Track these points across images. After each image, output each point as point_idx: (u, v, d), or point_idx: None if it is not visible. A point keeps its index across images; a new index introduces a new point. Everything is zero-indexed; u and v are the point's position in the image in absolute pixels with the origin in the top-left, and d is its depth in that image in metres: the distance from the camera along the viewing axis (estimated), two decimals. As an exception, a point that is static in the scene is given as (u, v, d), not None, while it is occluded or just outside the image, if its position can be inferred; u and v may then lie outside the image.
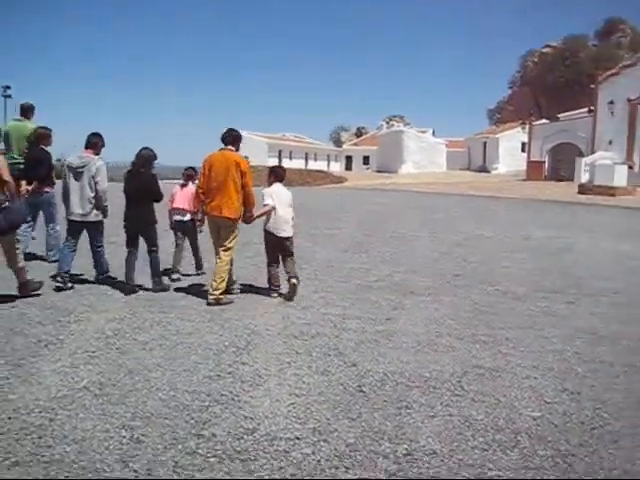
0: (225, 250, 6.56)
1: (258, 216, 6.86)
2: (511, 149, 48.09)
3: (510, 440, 3.68)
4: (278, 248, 6.95)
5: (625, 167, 27.25)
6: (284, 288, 6.98)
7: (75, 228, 6.93)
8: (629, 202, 23.91)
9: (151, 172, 6.96)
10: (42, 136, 8.12)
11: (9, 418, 3.62)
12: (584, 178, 32.64)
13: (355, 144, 67.57)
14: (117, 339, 5.16)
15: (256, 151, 44.92)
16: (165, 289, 6.94)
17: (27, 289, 6.30)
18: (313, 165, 58.30)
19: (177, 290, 7.04)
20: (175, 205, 7.86)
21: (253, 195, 6.68)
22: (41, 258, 8.45)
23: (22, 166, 8.17)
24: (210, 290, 6.46)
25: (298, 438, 3.57)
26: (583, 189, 26.53)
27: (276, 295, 6.91)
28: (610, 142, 33.84)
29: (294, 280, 6.79)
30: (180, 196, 7.84)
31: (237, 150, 6.76)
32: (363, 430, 3.71)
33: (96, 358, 4.69)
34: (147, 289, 6.92)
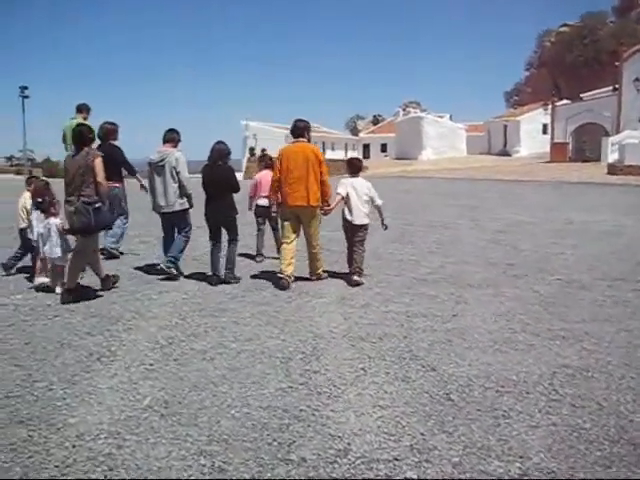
0: (313, 236, 6.97)
1: (332, 208, 7.05)
2: (532, 131, 47.20)
3: (630, 454, 3.25)
4: (352, 235, 7.14)
5: (656, 145, 26.44)
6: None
7: (165, 220, 7.29)
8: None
9: (228, 165, 7.08)
10: (109, 131, 8.23)
11: (74, 446, 3.25)
12: (611, 158, 31.85)
13: (372, 132, 66.83)
14: (173, 348, 4.78)
15: (274, 142, 44.44)
16: (238, 280, 7.05)
17: (109, 283, 6.55)
18: (330, 154, 57.59)
19: (222, 291, 6.65)
20: (262, 192, 8.23)
21: (330, 185, 6.90)
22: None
23: None
24: (314, 272, 7.13)
25: (397, 459, 3.17)
26: (613, 169, 25.79)
27: (357, 278, 7.01)
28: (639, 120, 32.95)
29: (356, 278, 6.97)
30: (265, 183, 7.99)
31: (309, 140, 7.04)
32: (465, 446, 3.31)
33: (154, 371, 4.31)
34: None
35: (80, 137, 6.18)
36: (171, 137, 7.30)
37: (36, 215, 6.73)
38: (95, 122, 8.54)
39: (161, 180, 7.11)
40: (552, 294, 6.58)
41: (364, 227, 7.12)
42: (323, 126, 68.80)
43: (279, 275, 6.83)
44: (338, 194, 7.03)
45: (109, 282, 6.57)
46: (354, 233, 7.10)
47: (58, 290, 6.35)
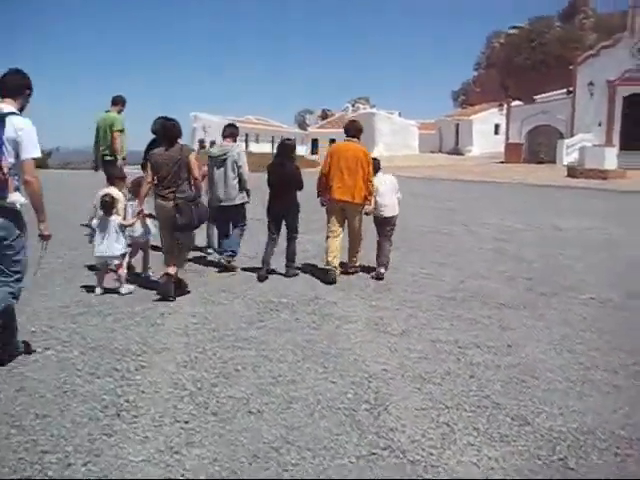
0: (357, 231, 7.32)
1: (372, 209, 7.36)
2: (484, 131, 47.47)
3: None
4: (383, 227, 7.51)
5: (615, 149, 26.75)
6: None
7: (222, 214, 7.38)
8: (624, 185, 23.40)
9: (295, 162, 7.30)
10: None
11: None
12: (567, 160, 32.21)
13: (321, 127, 66.07)
14: (205, 396, 3.89)
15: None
16: (296, 274, 7.22)
17: (183, 287, 6.32)
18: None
19: (235, 313, 5.75)
20: None
21: (373, 185, 7.22)
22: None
23: (109, 157, 9.18)
24: (351, 265, 7.45)
25: None
26: (573, 172, 25.92)
27: (383, 270, 7.34)
28: (600, 124, 33.40)
29: (382, 270, 7.34)
30: None
31: (359, 140, 7.34)
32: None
33: (195, 433, 3.42)
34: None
35: (172, 132, 6.15)
36: (231, 132, 7.49)
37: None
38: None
39: (222, 174, 7.25)
40: (594, 317, 6.04)
41: (393, 218, 7.52)
42: (273, 120, 67.80)
43: (326, 267, 7.14)
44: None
45: (183, 287, 6.35)
46: (386, 225, 7.50)
47: (98, 291, 6.15)
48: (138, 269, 7.06)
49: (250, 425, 3.53)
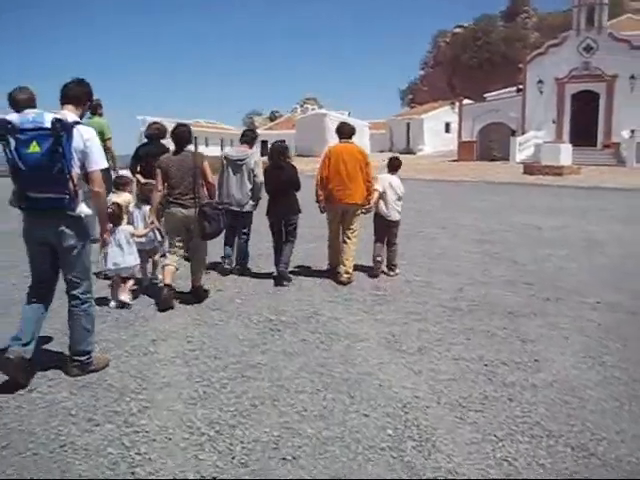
0: (353, 232, 7.18)
1: (372, 206, 7.33)
2: (435, 130, 47.73)
3: None
4: (386, 231, 7.53)
5: (569, 146, 27.12)
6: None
7: (230, 219, 6.87)
8: (580, 181, 23.72)
9: (291, 164, 7.18)
10: (163, 131, 7.73)
11: None
12: (519, 157, 32.63)
13: (270, 128, 65.41)
14: (228, 443, 3.37)
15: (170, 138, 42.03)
16: (290, 278, 7.03)
17: (200, 294, 6.24)
18: (229, 151, 55.72)
19: (234, 336, 5.22)
20: None
21: (373, 185, 7.27)
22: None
23: None
24: (342, 272, 7.05)
25: None
26: (530, 169, 26.14)
27: (379, 266, 7.48)
28: (554, 121, 33.93)
29: (393, 272, 7.54)
30: None
31: (353, 141, 7.30)
32: None
33: (228, 490, 2.89)
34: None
35: (185, 137, 6.05)
36: (251, 137, 7.51)
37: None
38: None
39: (238, 179, 7.21)
40: (609, 323, 5.76)
41: (398, 223, 7.62)
42: (220, 122, 66.78)
43: (337, 271, 7.15)
44: (375, 190, 7.31)
45: (201, 293, 6.27)
46: (390, 229, 7.54)
47: (113, 304, 5.90)
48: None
49: (289, 476, 3.03)
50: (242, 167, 7.18)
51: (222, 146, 57.27)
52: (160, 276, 6.44)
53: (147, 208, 6.41)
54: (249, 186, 7.18)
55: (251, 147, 7.45)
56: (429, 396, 4.02)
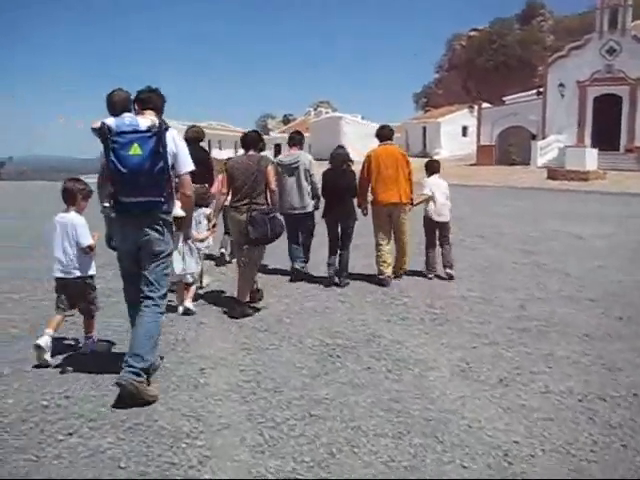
0: (404, 233, 7.36)
1: (418, 203, 7.55)
2: (452, 133, 47.04)
3: None
4: (437, 233, 7.64)
5: (595, 151, 26.45)
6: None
7: (293, 221, 7.20)
8: (607, 186, 23.09)
9: (351, 169, 7.17)
10: (201, 133, 7.42)
11: None
12: (540, 162, 31.98)
13: (283, 131, 64.93)
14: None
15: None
16: (348, 283, 7.10)
17: (256, 297, 6.18)
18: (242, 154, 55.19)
19: (288, 362, 4.68)
20: None
21: (414, 184, 7.40)
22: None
23: None
24: (399, 270, 7.44)
25: None
26: (554, 174, 25.51)
27: (432, 276, 7.58)
28: (579, 124, 33.25)
29: (449, 271, 7.55)
30: None
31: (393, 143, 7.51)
32: None
33: None
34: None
35: (253, 141, 5.99)
36: (298, 140, 7.44)
37: None
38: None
39: (294, 181, 7.17)
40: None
41: (449, 223, 7.71)
42: (234, 126, 66.33)
43: (380, 277, 7.18)
44: (423, 194, 7.55)
45: (256, 296, 6.19)
46: (442, 231, 7.65)
47: (181, 310, 5.81)
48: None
49: None
50: (297, 169, 7.21)
51: (235, 149, 56.83)
52: (205, 281, 6.82)
53: (202, 211, 6.26)
54: (307, 187, 7.23)
55: (300, 148, 7.46)
56: (529, 441, 3.46)
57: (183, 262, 5.68)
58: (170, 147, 3.93)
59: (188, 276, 5.82)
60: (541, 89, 36.31)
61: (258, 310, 6.00)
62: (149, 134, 3.79)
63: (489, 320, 5.87)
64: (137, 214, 3.90)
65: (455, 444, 3.41)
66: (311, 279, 7.40)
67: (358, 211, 7.33)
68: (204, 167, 6.54)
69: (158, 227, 3.95)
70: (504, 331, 5.53)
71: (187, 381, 4.20)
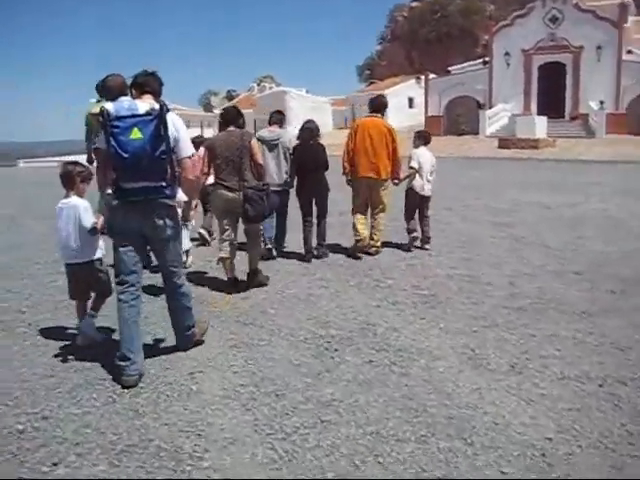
0: (382, 208, 7.24)
1: (403, 179, 7.45)
2: (399, 105, 46.70)
3: None
4: (419, 206, 7.59)
5: (544, 118, 26.70)
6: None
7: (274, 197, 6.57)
8: (558, 154, 23.38)
9: (320, 143, 7.13)
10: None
11: None
12: (489, 131, 32.20)
13: (228, 108, 63.62)
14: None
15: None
16: (327, 254, 7.22)
17: (257, 279, 5.98)
18: (187, 132, 53.88)
19: (293, 364, 4.30)
20: None
21: (400, 159, 7.21)
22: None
23: None
24: (372, 243, 7.26)
25: None
26: (505, 143, 25.70)
27: (412, 247, 7.57)
28: (525, 93, 33.47)
29: (427, 246, 7.59)
30: None
31: (383, 116, 7.37)
32: None
33: None
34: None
35: (232, 116, 5.77)
36: (278, 118, 7.29)
37: None
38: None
39: (274, 157, 7.06)
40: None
41: (429, 198, 7.65)
42: (176, 103, 64.57)
43: (356, 238, 7.16)
44: (412, 168, 7.45)
45: (257, 278, 5.99)
46: (423, 204, 7.58)
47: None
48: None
49: None
50: (277, 146, 7.06)
51: (187, 128, 55.26)
52: (189, 261, 6.64)
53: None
54: (286, 165, 7.10)
55: (281, 126, 7.27)
56: (563, 437, 3.21)
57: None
58: (171, 130, 3.81)
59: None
60: (487, 58, 36.47)
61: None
62: (149, 117, 3.69)
63: (482, 300, 5.63)
64: (140, 200, 3.79)
65: (486, 445, 3.12)
66: (285, 258, 7.19)
67: (334, 181, 7.29)
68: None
69: (163, 213, 3.87)
70: (500, 311, 5.29)
71: (177, 389, 3.77)
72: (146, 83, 4.04)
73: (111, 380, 3.87)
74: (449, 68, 41.23)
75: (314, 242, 7.24)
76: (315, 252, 7.14)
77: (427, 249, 7.47)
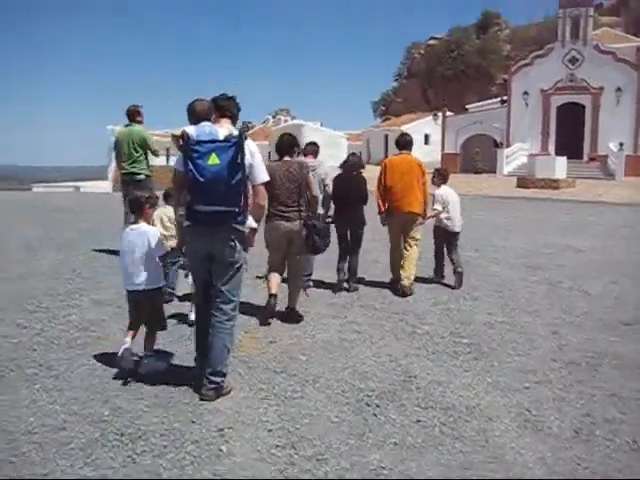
0: (415, 241, 7.22)
1: (430, 217, 7.47)
2: (415, 141, 46.80)
3: None
4: (447, 241, 7.60)
5: (564, 159, 26.39)
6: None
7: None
8: (579, 194, 22.98)
9: (362, 176, 7.17)
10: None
11: None
12: (506, 170, 31.95)
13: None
14: None
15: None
16: (357, 289, 7.12)
17: (296, 315, 5.90)
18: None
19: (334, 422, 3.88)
20: None
21: (429, 194, 7.33)
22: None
23: (139, 176, 8.22)
24: (405, 281, 7.01)
25: None
26: (524, 182, 25.32)
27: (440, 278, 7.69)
28: (547, 133, 33.34)
29: (460, 269, 7.45)
30: None
31: (410, 153, 7.41)
32: None
33: None
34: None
35: (288, 145, 5.81)
36: (314, 150, 7.15)
37: None
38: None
39: None
40: None
41: (459, 234, 7.71)
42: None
43: (398, 284, 7.10)
44: (435, 209, 7.46)
45: (295, 315, 5.90)
46: (450, 240, 7.61)
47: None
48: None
49: None
50: (314, 178, 6.59)
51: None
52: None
53: None
54: (321, 196, 6.67)
55: (315, 157, 7.11)
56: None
57: None
58: (247, 157, 3.91)
59: None
60: (505, 97, 36.38)
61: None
62: (228, 144, 3.77)
63: (527, 351, 5.21)
64: (211, 223, 3.88)
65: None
66: (314, 293, 6.93)
67: (371, 218, 7.36)
68: None
69: (231, 237, 3.92)
70: (550, 365, 4.87)
71: (206, 448, 3.36)
72: (227, 107, 4.18)
73: (130, 435, 3.47)
74: (467, 106, 41.20)
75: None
76: (345, 286, 7.09)
77: (460, 273, 7.40)
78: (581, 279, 8.14)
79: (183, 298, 6.21)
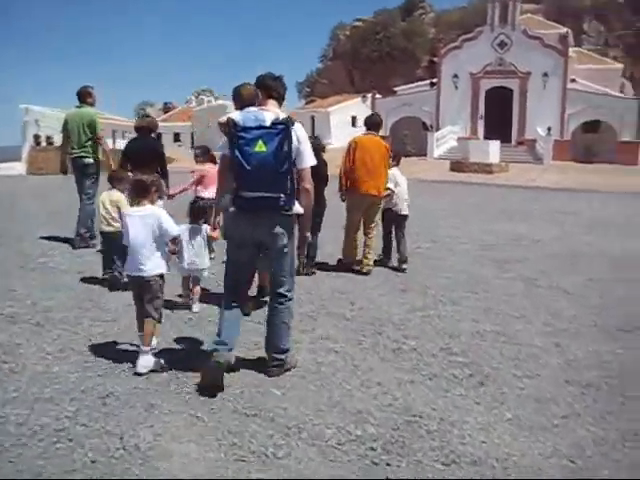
0: (375, 226, 7.27)
1: (384, 196, 7.21)
2: (342, 123, 46.03)
3: None
4: (395, 224, 7.60)
5: (498, 143, 26.34)
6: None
7: None
8: (513, 179, 22.97)
9: (323, 159, 6.63)
10: (154, 125, 7.37)
11: None
12: (436, 153, 31.78)
13: (164, 120, 61.37)
14: None
15: (59, 128, 37.50)
16: (314, 273, 7.01)
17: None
18: (121, 144, 51.54)
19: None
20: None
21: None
22: None
23: (87, 160, 8.00)
24: (366, 268, 7.13)
25: None
26: (458, 167, 25.12)
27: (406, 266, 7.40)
28: (481, 117, 33.29)
29: (405, 266, 7.40)
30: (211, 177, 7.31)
31: (378, 134, 7.27)
32: None
33: None
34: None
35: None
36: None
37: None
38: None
39: None
40: None
41: (406, 217, 7.65)
42: (111, 113, 61.87)
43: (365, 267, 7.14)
44: (389, 189, 7.25)
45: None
46: (399, 223, 7.60)
47: (195, 309, 5.44)
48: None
49: None
50: None
51: (114, 138, 52.95)
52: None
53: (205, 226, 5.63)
54: None
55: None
56: None
57: (196, 257, 5.40)
58: (294, 142, 3.82)
59: (197, 272, 5.49)
60: (434, 80, 36.20)
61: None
62: (275, 131, 3.72)
63: (535, 371, 4.49)
64: (257, 210, 3.84)
65: None
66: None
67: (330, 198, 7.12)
68: (159, 157, 6.86)
69: (280, 222, 3.88)
70: (569, 390, 4.16)
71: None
72: (274, 87, 4.03)
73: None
74: (395, 88, 40.82)
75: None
76: (304, 270, 6.89)
77: (404, 269, 7.34)
78: (555, 275, 7.58)
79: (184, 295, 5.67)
